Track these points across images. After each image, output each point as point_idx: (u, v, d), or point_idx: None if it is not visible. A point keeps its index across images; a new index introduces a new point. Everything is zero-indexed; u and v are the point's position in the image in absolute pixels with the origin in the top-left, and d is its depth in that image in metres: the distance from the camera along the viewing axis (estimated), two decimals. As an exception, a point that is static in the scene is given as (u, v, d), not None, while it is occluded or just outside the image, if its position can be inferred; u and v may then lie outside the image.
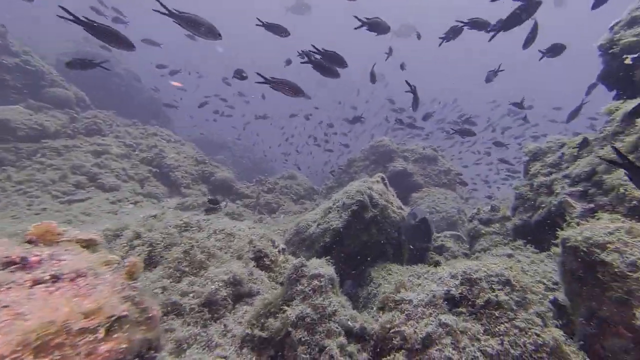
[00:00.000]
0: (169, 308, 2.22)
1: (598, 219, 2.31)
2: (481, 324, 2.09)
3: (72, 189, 6.68)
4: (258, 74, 3.35)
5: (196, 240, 2.73)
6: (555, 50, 3.83)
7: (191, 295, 2.34)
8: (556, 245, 2.55)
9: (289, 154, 17.67)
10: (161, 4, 2.75)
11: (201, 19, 2.94)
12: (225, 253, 2.78)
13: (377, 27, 4.23)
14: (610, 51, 3.54)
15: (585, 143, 3.13)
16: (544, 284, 2.79)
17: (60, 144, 7.73)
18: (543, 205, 3.41)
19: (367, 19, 4.14)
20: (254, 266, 2.83)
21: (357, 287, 4.04)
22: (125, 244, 2.58)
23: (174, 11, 2.84)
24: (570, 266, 2.31)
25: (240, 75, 4.63)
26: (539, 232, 3.42)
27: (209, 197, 8.13)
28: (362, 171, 10.46)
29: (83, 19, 2.51)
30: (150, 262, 2.57)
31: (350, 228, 3.97)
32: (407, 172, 9.70)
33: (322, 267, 2.48)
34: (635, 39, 3.26)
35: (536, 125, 12.13)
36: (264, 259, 2.99)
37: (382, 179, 4.49)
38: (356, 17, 4.18)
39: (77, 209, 5.53)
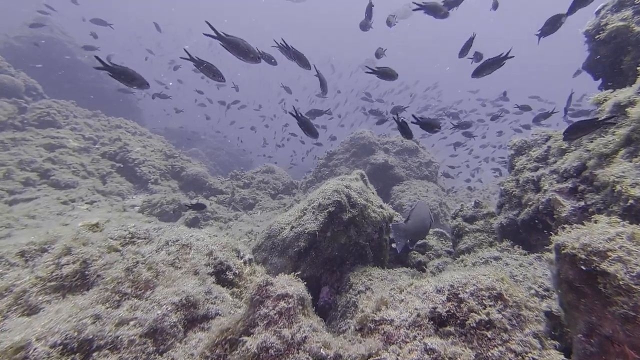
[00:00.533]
0: (101, 342, 1.82)
1: (595, 222, 2.07)
2: (472, 348, 1.82)
3: (20, 187, 5.98)
4: (293, 109, 3.55)
5: (142, 255, 2.31)
6: (552, 24, 3.47)
7: (132, 323, 1.94)
8: (549, 250, 2.31)
9: (267, 144, 17.09)
10: (211, 26, 3.00)
11: (243, 42, 3.16)
12: (179, 269, 2.39)
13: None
14: (596, 37, 3.33)
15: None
16: (535, 290, 2.57)
17: (6, 136, 6.90)
18: (530, 203, 3.20)
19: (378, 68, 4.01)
20: (213, 282, 2.46)
21: (335, 294, 3.74)
22: (50, 263, 2.13)
23: (222, 34, 3.04)
24: (565, 275, 2.08)
25: (208, 69, 3.50)
26: (526, 232, 3.22)
27: (192, 202, 7.40)
28: (342, 164, 10.16)
29: (109, 63, 2.73)
30: (83, 284, 2.14)
31: (327, 231, 3.65)
32: (388, 164, 9.48)
33: (290, 284, 2.14)
34: (623, 23, 3.05)
35: (519, 114, 12.11)
36: (227, 273, 2.61)
37: (362, 175, 4.18)
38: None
39: (21, 210, 4.89)
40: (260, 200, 9.18)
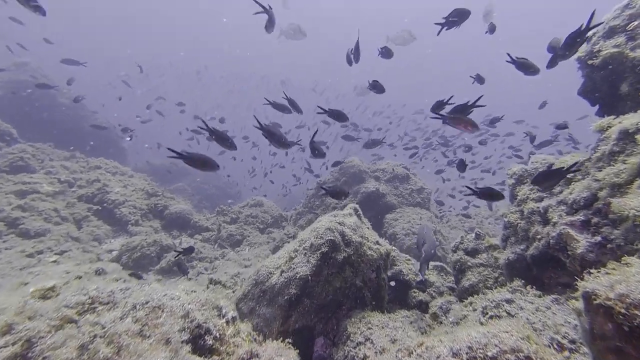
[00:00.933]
0: None
1: (628, 266, 1.81)
2: None
3: (-16, 238, 5.45)
4: (322, 187, 3.93)
5: (102, 326, 1.93)
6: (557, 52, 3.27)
7: None
8: (573, 297, 2.03)
9: (255, 173, 16.79)
10: (258, 121, 3.45)
11: (278, 131, 3.55)
12: (147, 338, 2.00)
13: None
14: (590, 62, 3.30)
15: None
16: (559, 342, 2.26)
17: (-26, 183, 6.45)
18: (539, 237, 2.97)
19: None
20: (189, 352, 2.07)
21: (331, 346, 3.33)
22: (-18, 347, 1.73)
23: (264, 124, 3.42)
24: (601, 331, 1.78)
25: (221, 139, 3.35)
26: (537, 269, 2.95)
27: (181, 248, 6.65)
28: (333, 194, 9.91)
29: (182, 152, 2.90)
30: (24, 371, 1.74)
31: (321, 274, 3.32)
32: (379, 192, 9.29)
33: (280, 355, 1.79)
34: (617, 50, 3.03)
35: (510, 135, 12.22)
36: (206, 337, 2.23)
37: (355, 210, 3.92)
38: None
39: (-23, 267, 4.36)
40: (249, 236, 8.74)
